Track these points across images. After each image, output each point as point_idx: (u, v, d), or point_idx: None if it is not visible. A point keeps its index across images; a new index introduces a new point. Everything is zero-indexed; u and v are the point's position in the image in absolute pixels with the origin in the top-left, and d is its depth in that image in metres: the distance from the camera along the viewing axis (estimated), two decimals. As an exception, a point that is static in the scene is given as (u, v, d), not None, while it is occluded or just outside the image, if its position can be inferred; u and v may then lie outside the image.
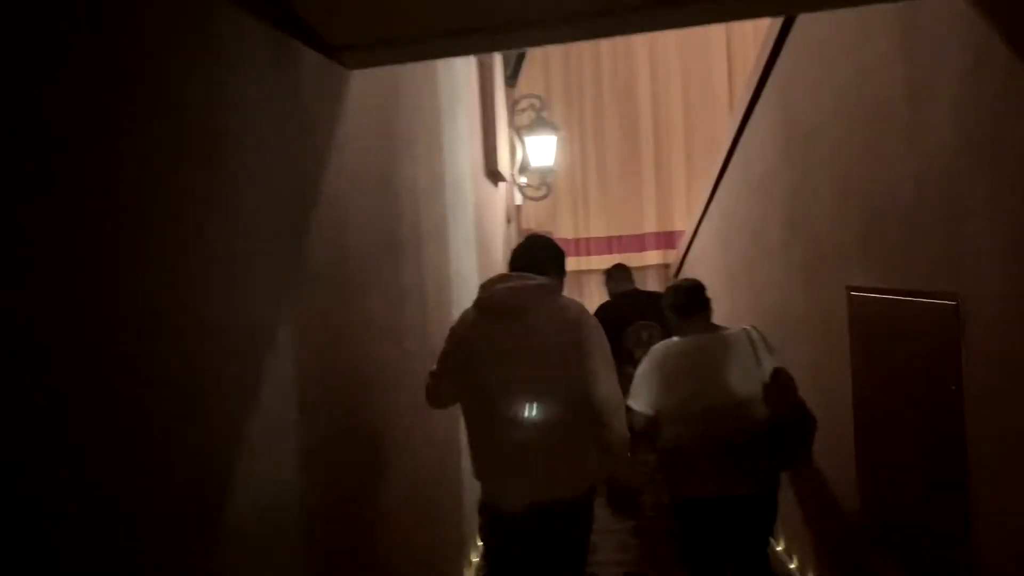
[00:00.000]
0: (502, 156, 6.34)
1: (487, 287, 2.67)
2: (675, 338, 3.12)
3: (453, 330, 2.71)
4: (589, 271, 10.27)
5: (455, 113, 4.35)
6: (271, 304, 1.69)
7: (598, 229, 10.71)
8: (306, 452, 1.84)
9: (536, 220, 9.22)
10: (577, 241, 10.74)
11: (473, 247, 4.82)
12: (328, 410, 2.04)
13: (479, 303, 2.65)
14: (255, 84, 1.70)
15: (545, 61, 9.77)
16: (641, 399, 2.99)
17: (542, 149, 7.26)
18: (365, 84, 2.50)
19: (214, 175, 1.47)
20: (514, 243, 8.38)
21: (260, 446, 1.57)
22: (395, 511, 2.66)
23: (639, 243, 10.80)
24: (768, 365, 2.89)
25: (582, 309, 2.65)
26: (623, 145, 10.58)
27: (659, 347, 3.11)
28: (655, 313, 4.65)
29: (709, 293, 3.32)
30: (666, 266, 10.78)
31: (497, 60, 6.37)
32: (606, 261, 10.54)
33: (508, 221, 7.36)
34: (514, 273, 2.68)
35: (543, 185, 7.36)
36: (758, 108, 4.10)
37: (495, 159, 5.91)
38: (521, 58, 7.09)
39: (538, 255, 2.74)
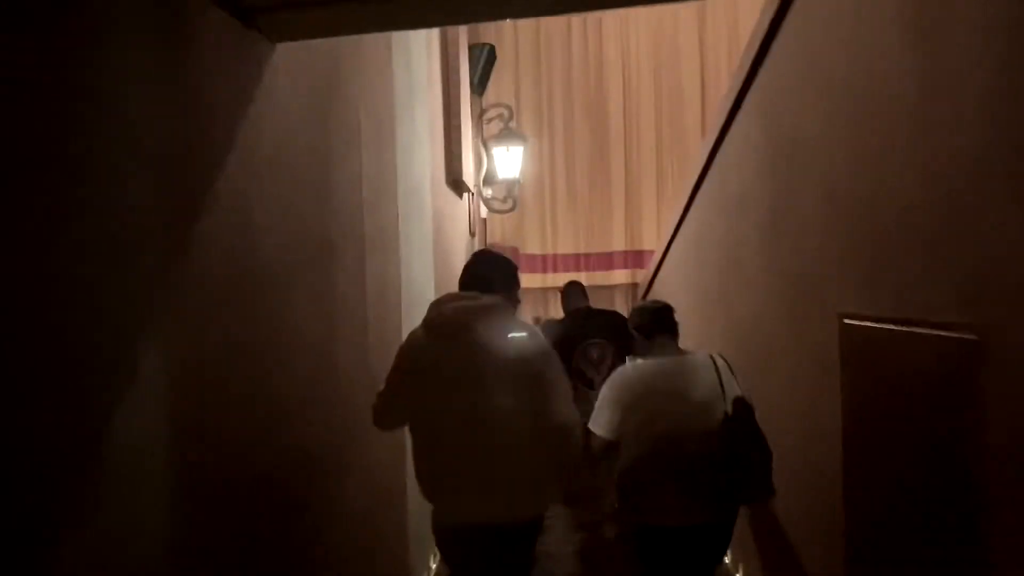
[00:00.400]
0: (467, 166, 6.00)
1: (436, 306, 2.63)
2: (639, 360, 3.02)
3: (401, 349, 2.66)
4: (556, 288, 9.94)
5: (413, 113, 4.00)
6: (130, 315, 1.30)
7: (566, 246, 10.40)
8: (183, 505, 1.45)
9: (502, 234, 8.88)
10: (544, 257, 10.42)
11: (430, 260, 4.46)
12: (224, 448, 1.65)
13: (427, 322, 2.61)
14: (127, 41, 1.33)
15: (515, 71, 9.47)
16: (601, 422, 2.92)
17: (509, 160, 6.93)
18: (297, 63, 2.13)
19: (43, 150, 1.09)
20: None
21: (104, 499, 1.18)
22: (323, 558, 2.28)
23: (607, 261, 10.52)
24: (732, 393, 2.82)
25: (532, 329, 2.64)
26: (593, 161, 10.30)
27: (622, 370, 3.03)
28: (607, 332, 4.73)
29: (679, 317, 3.11)
30: (634, 285, 10.50)
31: (463, 65, 6.04)
32: (573, 278, 10.25)
33: (472, 235, 7.01)
34: (463, 292, 2.65)
35: (509, 198, 7.02)
36: (737, 119, 3.79)
37: (459, 168, 5.56)
38: (489, 65, 6.76)
39: (487, 272, 2.70)
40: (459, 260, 6.02)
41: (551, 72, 10.24)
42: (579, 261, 10.48)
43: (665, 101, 10.35)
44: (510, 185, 6.92)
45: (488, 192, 7.56)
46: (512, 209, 7.16)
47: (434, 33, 5.17)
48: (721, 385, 2.83)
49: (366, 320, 2.87)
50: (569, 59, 10.23)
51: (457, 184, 5.71)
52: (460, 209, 6.11)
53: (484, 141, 7.03)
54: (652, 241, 10.43)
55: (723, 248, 4.17)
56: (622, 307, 10.46)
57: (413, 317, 3.85)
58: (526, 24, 9.68)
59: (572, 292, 5.35)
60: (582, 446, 2.64)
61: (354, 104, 2.80)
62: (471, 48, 6.52)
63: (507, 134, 6.88)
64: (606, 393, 2.97)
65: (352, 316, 2.73)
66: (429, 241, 4.43)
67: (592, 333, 4.69)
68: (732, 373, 2.89)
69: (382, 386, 2.63)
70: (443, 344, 2.53)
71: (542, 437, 2.47)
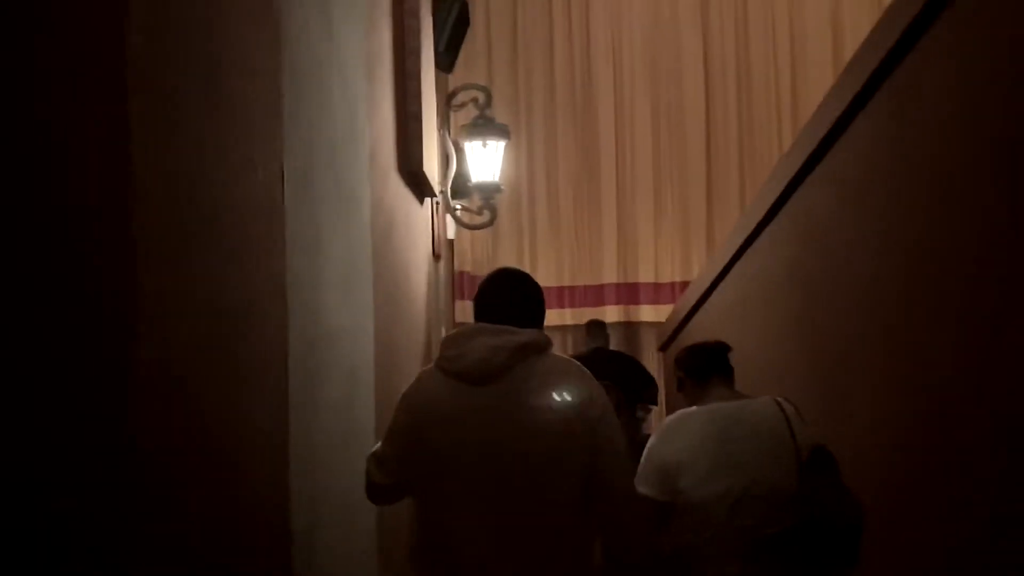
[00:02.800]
0: (430, 157, 4.19)
1: (456, 343, 2.07)
2: (692, 408, 2.64)
3: (406, 397, 2.11)
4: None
5: (332, 34, 2.18)
6: None
7: (547, 277, 8.59)
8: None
9: (472, 261, 7.04)
10: (522, 291, 8.61)
11: (369, 285, 2.63)
12: None
13: (444, 364, 2.05)
14: None
15: (486, 58, 7.68)
16: (648, 481, 2.47)
17: (486, 159, 5.12)
18: None
19: None
20: (444, 288, 6.12)
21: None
22: None
23: (596, 296, 8.75)
24: (805, 443, 2.44)
25: (586, 374, 2.11)
26: (579, 175, 8.57)
27: (673, 418, 2.69)
28: (616, 376, 4.42)
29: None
30: (628, 324, 8.72)
31: (425, 20, 4.25)
32: (555, 316, 8.41)
33: (437, 257, 5.18)
34: (490, 325, 2.06)
35: (486, 209, 5.21)
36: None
37: (418, 155, 3.73)
38: (460, 30, 4.99)
39: (519, 299, 2.13)
40: (419, 290, 4.16)
41: (529, 65, 8.51)
42: (563, 295, 8.67)
43: (663, 105, 8.68)
44: (486, 192, 5.12)
45: (458, 207, 5.72)
46: (490, 223, 5.32)
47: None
48: (792, 435, 2.48)
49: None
50: (551, 58, 8.53)
51: (416, 180, 3.88)
52: (420, 218, 4.27)
53: (452, 139, 5.23)
54: (649, 272, 8.71)
55: (878, 291, 2.39)
56: (614, 348, 8.69)
57: (328, 389, 1.98)
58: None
59: (592, 330, 5.13)
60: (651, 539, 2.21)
61: None
62: (436, 4, 4.75)
63: (484, 125, 5.07)
64: (653, 444, 2.62)
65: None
66: (367, 257, 2.60)
67: (602, 376, 4.24)
68: (801, 418, 2.55)
69: (379, 446, 2.12)
70: (467, 393, 1.99)
71: (598, 521, 2.01)
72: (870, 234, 2.43)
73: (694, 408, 2.66)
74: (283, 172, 1.58)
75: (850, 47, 7.69)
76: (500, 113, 7.08)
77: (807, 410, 2.56)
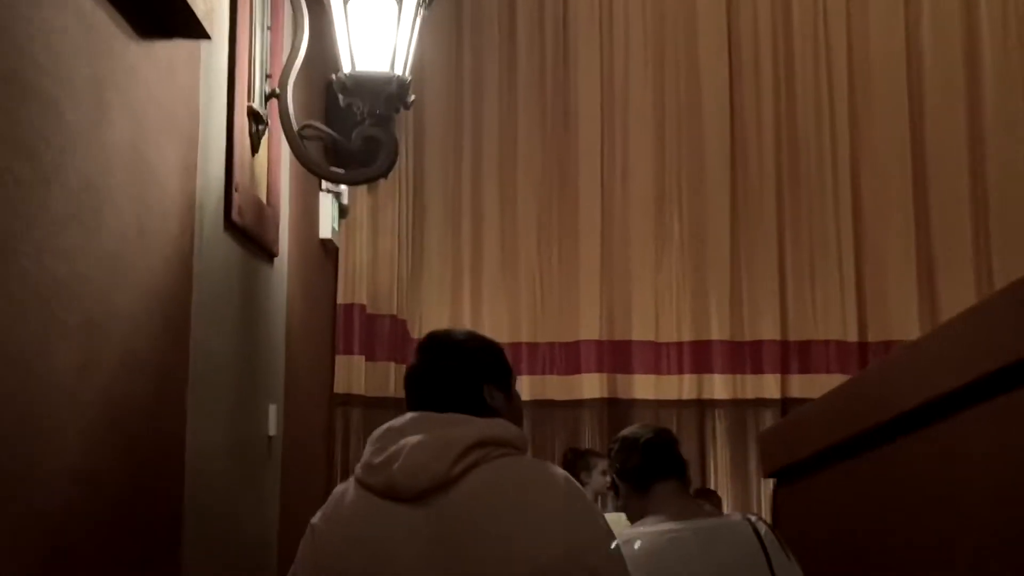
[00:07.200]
0: None
1: (381, 442, 1.49)
2: (633, 531, 2.10)
3: (314, 529, 1.53)
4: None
5: None
6: None
7: (498, 328, 5.69)
8: None
9: (372, 291, 4.04)
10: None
11: None
12: None
13: (366, 475, 1.49)
14: None
15: None
16: None
17: (376, 28, 2.25)
18: None
19: None
20: (307, 332, 3.03)
21: None
22: None
23: (570, 359, 5.86)
24: None
25: (582, 494, 1.55)
26: (546, 180, 5.86)
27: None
28: None
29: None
30: (613, 403, 5.85)
31: None
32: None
33: (256, 245, 2.22)
34: (433, 414, 1.50)
35: (374, 139, 2.24)
36: None
37: None
38: None
39: (465, 373, 1.54)
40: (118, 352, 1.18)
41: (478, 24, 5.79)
42: (518, 356, 5.77)
43: (669, 94, 6.02)
44: (374, 97, 2.18)
45: (336, 176, 2.78)
46: (384, 174, 2.34)
47: None
48: (769, 566, 2.02)
49: None
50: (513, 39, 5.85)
51: None
52: (149, 105, 1.35)
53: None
54: (647, 327, 5.90)
55: None
56: (593, 438, 5.81)
57: None
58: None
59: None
60: None
61: None
62: None
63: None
64: None
65: None
66: None
67: None
68: (784, 550, 2.05)
69: None
70: (403, 521, 1.43)
71: None
72: None
73: (635, 533, 2.13)
74: None
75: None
76: (429, 99, 4.28)
77: None
